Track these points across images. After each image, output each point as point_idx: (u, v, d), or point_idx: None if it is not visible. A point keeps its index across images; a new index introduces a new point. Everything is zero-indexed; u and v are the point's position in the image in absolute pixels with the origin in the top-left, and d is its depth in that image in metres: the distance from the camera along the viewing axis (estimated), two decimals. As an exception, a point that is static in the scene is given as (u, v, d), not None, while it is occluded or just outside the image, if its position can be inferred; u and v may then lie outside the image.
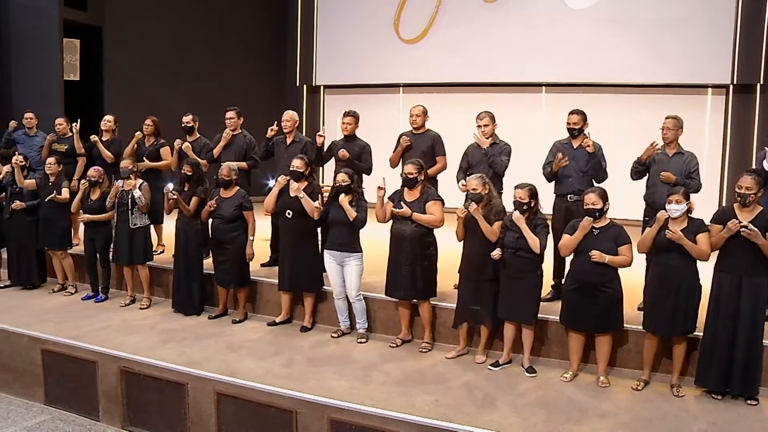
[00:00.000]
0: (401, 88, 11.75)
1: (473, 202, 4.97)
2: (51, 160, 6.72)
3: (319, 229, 5.86)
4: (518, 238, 4.82)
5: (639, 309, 5.31)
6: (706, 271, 4.66)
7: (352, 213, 5.32)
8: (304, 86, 12.51)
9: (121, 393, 5.18)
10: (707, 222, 4.65)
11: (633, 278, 5.15)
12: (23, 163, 6.89)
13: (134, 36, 10.51)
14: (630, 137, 9.11)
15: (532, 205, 4.86)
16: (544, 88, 10.71)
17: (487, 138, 5.78)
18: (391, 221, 5.38)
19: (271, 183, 6.78)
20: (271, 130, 6.60)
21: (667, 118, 5.46)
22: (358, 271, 5.48)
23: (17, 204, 6.70)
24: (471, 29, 10.92)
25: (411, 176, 5.26)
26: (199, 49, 11.24)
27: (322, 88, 12.47)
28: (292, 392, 4.52)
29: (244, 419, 4.69)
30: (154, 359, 5.11)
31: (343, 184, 5.40)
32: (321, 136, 6.35)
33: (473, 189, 5.06)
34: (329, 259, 5.56)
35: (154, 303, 6.54)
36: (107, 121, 7.33)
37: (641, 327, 4.83)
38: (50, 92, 9.69)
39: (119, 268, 6.64)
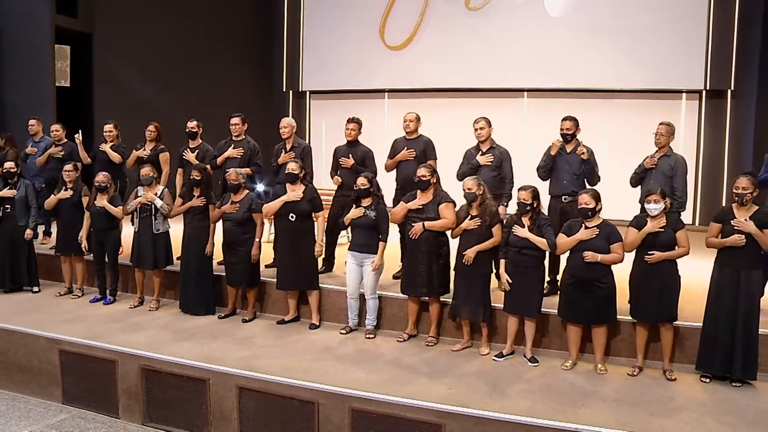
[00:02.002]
0: (386, 93, 12.07)
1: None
2: (69, 167, 6.85)
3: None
4: (522, 237, 5.15)
5: (630, 302, 5.70)
6: (695, 264, 5.06)
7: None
8: (290, 92, 12.75)
9: (141, 390, 5.37)
10: (696, 220, 5.04)
11: (625, 274, 5.50)
12: (15, 169, 7.02)
13: (124, 42, 10.64)
14: (609, 140, 9.58)
15: (535, 205, 5.20)
16: (525, 93, 11.12)
17: (484, 141, 6.12)
18: (404, 223, 5.67)
19: (258, 187, 7.01)
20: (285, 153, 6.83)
21: (660, 124, 5.82)
22: (377, 272, 5.76)
23: (5, 191, 6.89)
24: (454, 37, 11.28)
25: (424, 179, 5.56)
26: (187, 55, 11.40)
27: (308, 93, 12.73)
28: (314, 384, 4.78)
29: (266, 412, 4.93)
30: (174, 357, 5.32)
31: (363, 187, 5.68)
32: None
33: (468, 189, 5.39)
34: (350, 259, 5.82)
35: (161, 305, 6.71)
36: (109, 131, 7.47)
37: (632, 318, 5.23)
38: (43, 98, 9.79)
39: (129, 270, 6.83)
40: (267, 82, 12.83)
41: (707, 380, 4.90)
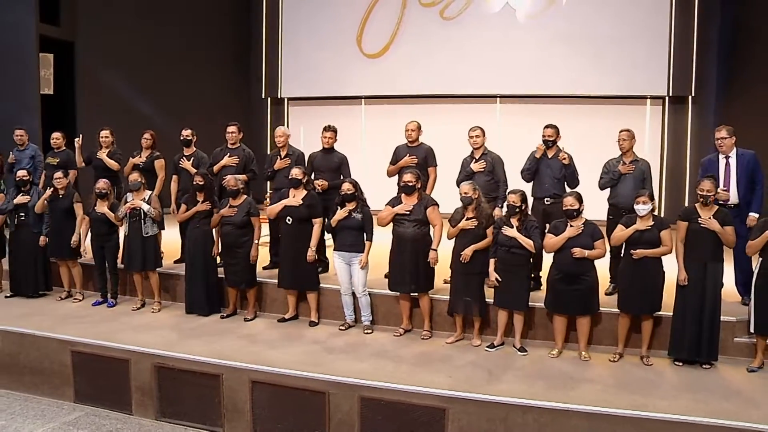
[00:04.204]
0: (363, 100, 12.45)
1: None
2: (58, 174, 7.08)
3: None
4: (512, 238, 5.59)
5: (606, 294, 6.21)
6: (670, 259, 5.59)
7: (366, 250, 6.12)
8: (269, 99, 13.03)
9: (154, 387, 5.65)
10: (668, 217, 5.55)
11: (601, 269, 5.97)
12: (27, 177, 7.21)
13: (105, 50, 10.83)
14: (577, 144, 10.06)
15: (523, 208, 5.65)
16: (498, 99, 11.63)
17: (478, 148, 6.55)
18: (391, 224, 6.07)
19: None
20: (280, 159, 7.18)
21: (621, 131, 6.35)
22: (364, 269, 6.14)
23: (21, 198, 7.09)
24: (430, 45, 11.74)
25: (410, 184, 5.96)
26: (167, 62, 11.61)
27: (286, 100, 13.03)
28: (324, 375, 5.14)
29: (278, 404, 5.26)
30: (186, 354, 5.61)
31: (349, 192, 6.06)
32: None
33: (465, 193, 5.81)
34: (338, 259, 6.19)
35: (162, 306, 6.96)
36: (105, 136, 7.68)
37: (612, 309, 5.73)
38: (29, 106, 9.93)
39: (127, 274, 7.09)
40: (246, 89, 13.11)
41: (680, 364, 5.41)
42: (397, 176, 6.84)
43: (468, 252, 5.70)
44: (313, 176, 6.98)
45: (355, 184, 6.17)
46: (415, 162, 6.68)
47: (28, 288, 7.28)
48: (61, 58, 10.59)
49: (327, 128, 7.07)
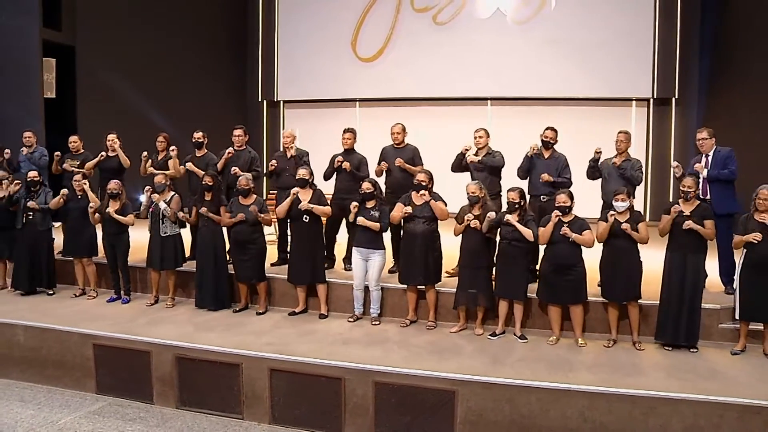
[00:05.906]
0: (357, 103, 12.79)
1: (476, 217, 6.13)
2: (78, 176, 7.35)
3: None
4: (512, 231, 5.97)
5: (598, 285, 6.59)
6: (650, 253, 6.01)
7: (375, 226, 6.40)
8: (265, 102, 13.33)
9: (175, 377, 5.94)
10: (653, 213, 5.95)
11: (593, 262, 6.37)
12: (38, 178, 7.46)
13: (105, 54, 11.04)
14: (566, 145, 10.48)
15: (522, 204, 6.03)
16: (489, 101, 12.03)
17: (482, 148, 6.92)
18: (403, 221, 6.42)
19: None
20: (272, 166, 7.52)
21: (619, 132, 6.77)
22: (380, 265, 6.50)
23: (32, 203, 7.31)
24: (423, 49, 12.13)
25: (423, 183, 6.32)
26: (166, 65, 11.85)
27: (282, 103, 13.33)
28: (339, 362, 5.48)
29: (295, 390, 5.58)
30: (206, 345, 5.92)
31: (368, 191, 6.40)
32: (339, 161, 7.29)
33: (472, 192, 6.18)
34: (356, 255, 6.53)
35: (176, 302, 7.23)
36: (111, 139, 7.95)
37: (603, 299, 6.11)
38: (32, 110, 10.14)
39: (138, 271, 7.38)
40: (242, 93, 13.38)
41: (669, 348, 5.82)
42: (384, 175, 7.25)
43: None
44: (334, 177, 7.35)
45: (374, 184, 6.52)
46: (384, 167, 7.16)
47: (30, 285, 7.50)
48: (63, 62, 10.81)
49: (346, 130, 7.40)
